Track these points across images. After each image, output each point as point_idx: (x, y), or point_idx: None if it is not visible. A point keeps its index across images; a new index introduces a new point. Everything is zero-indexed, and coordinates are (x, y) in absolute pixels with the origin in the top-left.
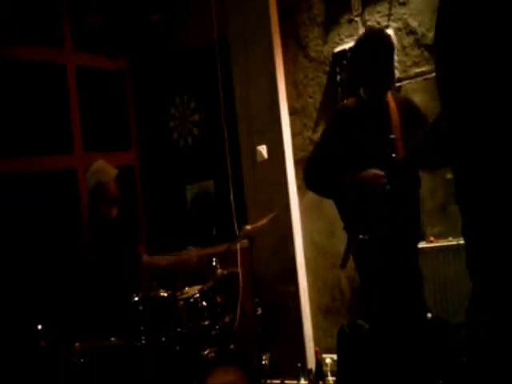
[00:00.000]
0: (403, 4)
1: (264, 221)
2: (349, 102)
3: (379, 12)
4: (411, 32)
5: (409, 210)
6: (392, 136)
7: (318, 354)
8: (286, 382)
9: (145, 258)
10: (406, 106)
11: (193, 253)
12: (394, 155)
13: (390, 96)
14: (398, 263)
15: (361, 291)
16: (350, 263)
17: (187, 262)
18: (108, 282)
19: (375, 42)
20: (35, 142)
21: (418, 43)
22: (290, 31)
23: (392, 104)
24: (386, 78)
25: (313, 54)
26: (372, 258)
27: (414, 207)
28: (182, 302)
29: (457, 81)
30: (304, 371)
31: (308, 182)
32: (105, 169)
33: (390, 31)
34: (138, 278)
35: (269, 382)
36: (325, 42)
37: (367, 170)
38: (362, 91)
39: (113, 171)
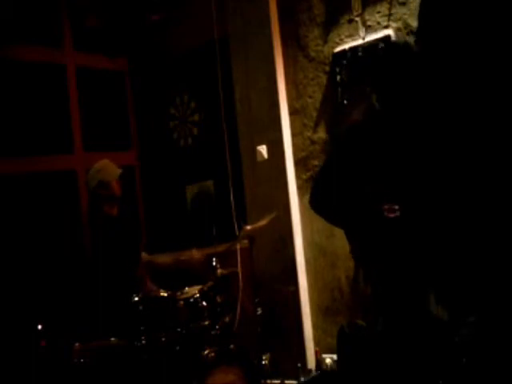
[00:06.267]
0: (403, 4)
1: (264, 221)
2: (357, 113)
3: (379, 12)
4: (411, 32)
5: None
6: None
7: (317, 354)
8: (286, 382)
9: (144, 256)
10: None
11: (196, 253)
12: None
13: None
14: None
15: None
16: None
17: (189, 261)
18: (109, 281)
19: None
20: (35, 142)
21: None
22: (290, 31)
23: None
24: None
25: (313, 54)
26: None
27: None
28: (182, 302)
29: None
30: (304, 371)
31: (316, 206)
32: (109, 168)
33: (390, 31)
34: (136, 278)
35: (269, 382)
36: (325, 42)
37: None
38: (374, 99)
39: (117, 171)
